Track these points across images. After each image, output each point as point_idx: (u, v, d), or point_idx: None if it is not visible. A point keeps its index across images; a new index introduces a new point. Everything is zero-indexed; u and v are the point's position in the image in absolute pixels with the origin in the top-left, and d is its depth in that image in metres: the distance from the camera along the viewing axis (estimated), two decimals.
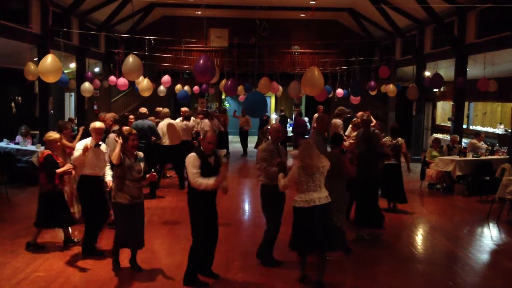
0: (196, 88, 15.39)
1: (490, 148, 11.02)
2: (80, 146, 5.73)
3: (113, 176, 5.44)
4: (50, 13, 11.62)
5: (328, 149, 6.23)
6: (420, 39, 14.31)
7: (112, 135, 6.89)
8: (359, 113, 10.64)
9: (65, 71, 12.50)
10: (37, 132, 11.64)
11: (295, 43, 19.50)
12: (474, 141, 11.43)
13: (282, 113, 16.06)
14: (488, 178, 9.46)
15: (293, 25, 19.54)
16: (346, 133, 9.18)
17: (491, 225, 7.85)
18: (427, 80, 12.78)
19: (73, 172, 6.29)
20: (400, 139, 8.32)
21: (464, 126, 13.95)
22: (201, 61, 6.35)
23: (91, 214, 5.86)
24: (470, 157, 10.33)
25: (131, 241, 5.29)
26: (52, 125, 10.92)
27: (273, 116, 19.08)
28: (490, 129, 14.11)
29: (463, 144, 11.85)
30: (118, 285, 5.06)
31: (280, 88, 14.63)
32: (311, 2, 16.18)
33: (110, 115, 7.79)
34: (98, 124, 5.98)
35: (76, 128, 14.05)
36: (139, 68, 7.96)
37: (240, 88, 14.75)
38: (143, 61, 8.64)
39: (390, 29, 15.81)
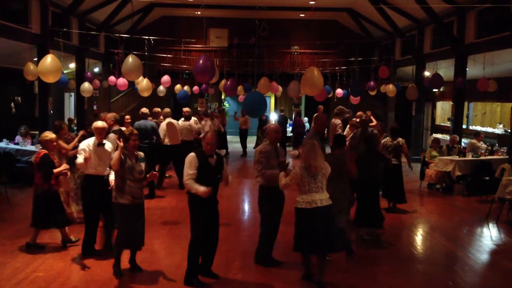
0: (195, 88, 15.39)
1: (489, 148, 11.04)
2: (83, 145, 5.73)
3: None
4: (49, 13, 11.63)
5: (327, 150, 6.24)
6: (419, 39, 14.33)
7: (112, 135, 6.89)
8: (359, 113, 10.68)
9: (65, 71, 12.49)
10: (37, 132, 11.62)
11: (295, 43, 19.51)
12: (474, 141, 11.44)
13: (282, 113, 16.07)
14: (487, 178, 9.47)
15: (293, 25, 19.55)
16: (344, 133, 9.19)
17: (490, 225, 7.85)
18: (426, 80, 12.78)
19: (68, 173, 6.29)
20: (400, 139, 8.34)
21: (464, 126, 13.97)
22: (201, 61, 6.35)
23: (91, 214, 5.86)
24: (469, 157, 10.34)
25: (132, 242, 5.27)
26: (51, 125, 10.92)
27: (273, 117, 19.07)
28: (489, 129, 14.12)
29: (462, 144, 11.86)
30: (117, 285, 5.05)
31: (280, 88, 14.63)
32: (310, 2, 16.19)
33: (111, 115, 7.79)
34: (100, 123, 5.96)
35: (75, 128, 14.08)
36: (139, 68, 7.96)
37: (240, 88, 14.76)
38: (142, 61, 8.65)
39: (390, 29, 15.82)
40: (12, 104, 13.13)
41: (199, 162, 4.88)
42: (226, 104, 21.25)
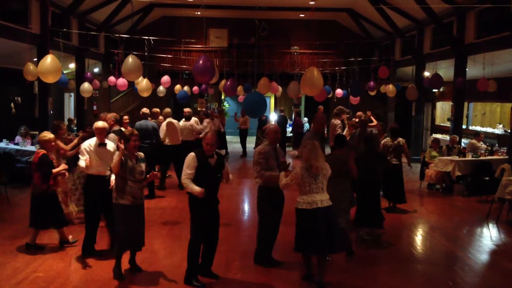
0: (195, 88, 15.39)
1: (489, 148, 11.05)
2: (84, 146, 5.77)
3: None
4: (49, 13, 11.62)
5: (327, 150, 6.24)
6: (419, 39, 14.33)
7: (112, 135, 6.90)
8: (359, 113, 10.68)
9: (65, 72, 12.49)
10: (37, 132, 11.59)
11: (295, 44, 19.51)
12: (474, 141, 11.45)
13: (282, 114, 16.07)
14: (487, 178, 9.48)
15: (293, 25, 19.55)
16: (343, 133, 9.19)
17: (490, 225, 7.86)
18: (426, 80, 12.79)
19: (66, 173, 6.29)
20: (400, 139, 8.36)
21: (464, 127, 13.97)
22: (201, 61, 6.35)
23: (92, 214, 5.86)
24: (469, 157, 10.34)
25: (132, 242, 5.26)
26: (51, 125, 10.92)
27: (272, 117, 19.08)
28: (489, 129, 14.12)
29: (462, 144, 11.86)
30: (117, 286, 5.05)
31: (280, 88, 14.63)
32: (310, 3, 16.20)
33: (111, 115, 7.79)
34: (100, 123, 5.97)
35: (75, 128, 14.08)
36: (139, 68, 7.96)
37: (240, 88, 14.76)
38: (142, 61, 8.64)
39: (390, 30, 15.82)
40: (12, 104, 13.12)
41: (198, 162, 4.89)
42: (226, 105, 21.25)
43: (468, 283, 5.42)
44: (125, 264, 5.34)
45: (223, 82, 12.65)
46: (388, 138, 8.54)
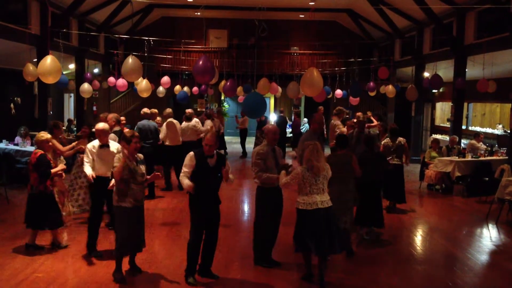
0: (195, 89, 15.39)
1: (489, 149, 11.05)
2: (89, 147, 5.87)
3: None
4: (49, 14, 11.63)
5: (327, 151, 6.24)
6: (419, 40, 14.34)
7: (112, 135, 6.89)
8: (358, 114, 10.69)
9: (64, 72, 12.49)
10: (36, 133, 11.62)
11: (294, 44, 19.52)
12: (473, 141, 11.45)
13: (282, 114, 16.07)
14: (487, 179, 9.48)
15: (292, 26, 19.57)
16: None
17: (490, 226, 7.86)
18: (426, 81, 12.79)
19: (64, 174, 6.29)
20: (401, 138, 8.36)
21: (463, 127, 13.97)
22: (201, 62, 6.35)
23: (95, 214, 5.91)
24: (469, 158, 10.34)
25: (133, 245, 5.23)
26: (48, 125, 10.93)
27: (272, 117, 19.10)
28: (489, 130, 14.12)
29: (462, 145, 11.87)
30: (118, 286, 5.04)
31: (279, 89, 14.64)
32: (310, 3, 16.21)
33: (112, 115, 7.77)
34: (101, 125, 5.98)
35: (75, 129, 14.08)
36: (139, 69, 7.96)
37: (239, 89, 14.76)
38: (142, 62, 8.64)
39: (389, 30, 15.83)
40: (12, 105, 13.12)
41: (196, 161, 4.92)
42: (226, 105, 21.25)
43: (467, 284, 5.43)
44: (125, 264, 5.33)
45: (223, 82, 12.67)
46: (388, 138, 8.55)
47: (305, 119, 17.84)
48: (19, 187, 9.53)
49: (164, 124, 9.78)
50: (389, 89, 13.86)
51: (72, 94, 17.53)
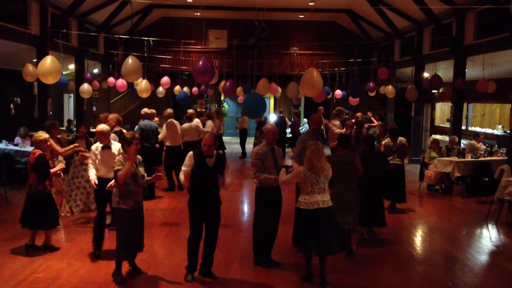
0: (195, 89, 15.39)
1: (489, 149, 11.04)
2: (93, 148, 5.92)
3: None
4: (49, 15, 11.63)
5: (326, 150, 6.24)
6: (418, 40, 14.34)
7: (112, 135, 6.89)
8: (357, 114, 10.68)
9: (64, 73, 12.49)
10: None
11: (294, 44, 19.52)
12: (473, 142, 11.45)
13: (281, 115, 16.07)
14: (487, 179, 9.48)
15: (292, 26, 19.58)
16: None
17: (490, 226, 7.86)
18: (426, 81, 12.80)
19: (62, 174, 6.28)
20: (401, 138, 8.36)
21: (463, 127, 13.97)
22: (201, 62, 6.34)
23: (99, 214, 5.94)
24: (469, 158, 10.34)
25: (133, 246, 5.22)
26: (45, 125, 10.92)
27: (272, 118, 19.08)
28: (489, 130, 14.13)
29: (462, 145, 11.86)
30: (117, 286, 5.04)
31: (279, 89, 14.63)
32: (309, 4, 16.21)
33: (113, 116, 7.76)
34: (101, 126, 5.98)
35: (75, 129, 14.07)
36: (139, 69, 7.96)
37: (239, 89, 14.76)
38: (142, 62, 8.65)
39: (389, 30, 15.84)
40: (12, 105, 13.12)
41: (195, 161, 4.95)
42: (226, 105, 21.25)
43: (467, 284, 5.43)
44: (125, 265, 5.32)
45: (222, 83, 12.66)
46: (388, 139, 8.55)
47: (305, 120, 17.84)
48: (18, 187, 9.52)
49: (164, 124, 9.77)
50: (389, 90, 13.86)
51: (71, 95, 17.52)
